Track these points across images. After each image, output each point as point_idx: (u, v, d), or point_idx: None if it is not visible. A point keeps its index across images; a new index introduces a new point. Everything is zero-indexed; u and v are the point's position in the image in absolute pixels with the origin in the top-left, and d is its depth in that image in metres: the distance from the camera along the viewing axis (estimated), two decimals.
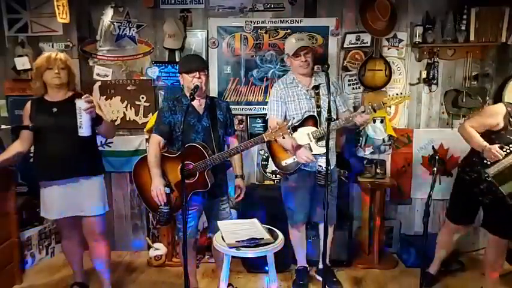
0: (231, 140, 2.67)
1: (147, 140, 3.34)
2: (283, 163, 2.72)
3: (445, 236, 2.89)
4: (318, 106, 2.64)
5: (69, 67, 2.45)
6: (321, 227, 2.82)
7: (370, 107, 2.50)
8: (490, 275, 2.70)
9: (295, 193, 2.78)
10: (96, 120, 2.32)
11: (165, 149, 2.54)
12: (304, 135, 2.63)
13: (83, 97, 2.23)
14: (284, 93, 2.71)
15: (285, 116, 2.71)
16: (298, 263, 2.99)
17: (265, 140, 2.32)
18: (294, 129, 2.63)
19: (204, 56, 3.30)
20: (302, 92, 2.69)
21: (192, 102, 2.35)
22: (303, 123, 2.67)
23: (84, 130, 2.25)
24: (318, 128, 2.62)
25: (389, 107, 2.56)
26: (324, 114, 2.57)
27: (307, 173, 2.71)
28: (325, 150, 2.53)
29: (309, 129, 2.64)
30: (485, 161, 2.44)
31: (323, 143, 2.59)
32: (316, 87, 2.68)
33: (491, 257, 2.67)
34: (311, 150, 2.62)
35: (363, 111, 2.50)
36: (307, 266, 3.00)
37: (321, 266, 2.95)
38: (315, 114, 2.64)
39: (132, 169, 2.56)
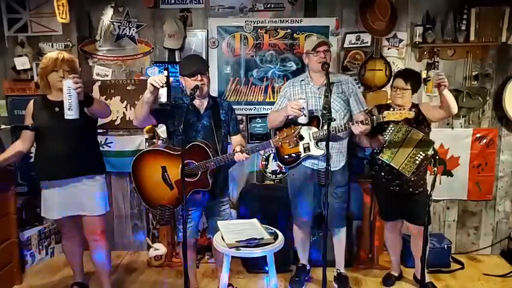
0: (235, 139, 2.60)
1: (147, 140, 3.36)
2: (286, 156, 2.69)
3: (388, 237, 2.97)
4: (325, 108, 2.56)
5: (75, 68, 2.41)
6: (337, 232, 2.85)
7: (368, 118, 2.41)
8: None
9: (298, 191, 2.76)
10: (87, 101, 2.25)
11: None
12: (305, 134, 2.62)
13: (71, 75, 2.14)
14: (291, 90, 2.70)
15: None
16: (300, 260, 3.00)
17: (273, 145, 2.33)
18: (301, 137, 2.61)
19: (204, 56, 3.30)
20: (313, 90, 2.64)
21: (193, 102, 2.38)
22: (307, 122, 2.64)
23: (74, 112, 2.11)
24: (319, 130, 2.58)
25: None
26: (337, 117, 2.57)
27: (311, 171, 2.67)
28: (323, 152, 2.56)
29: (311, 129, 2.63)
30: (375, 150, 2.74)
31: (322, 145, 2.58)
32: (328, 86, 2.53)
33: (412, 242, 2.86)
34: (309, 150, 2.61)
35: (361, 121, 2.41)
36: (306, 264, 2.99)
37: (341, 270, 2.93)
38: (319, 115, 2.59)
39: (131, 167, 2.48)
